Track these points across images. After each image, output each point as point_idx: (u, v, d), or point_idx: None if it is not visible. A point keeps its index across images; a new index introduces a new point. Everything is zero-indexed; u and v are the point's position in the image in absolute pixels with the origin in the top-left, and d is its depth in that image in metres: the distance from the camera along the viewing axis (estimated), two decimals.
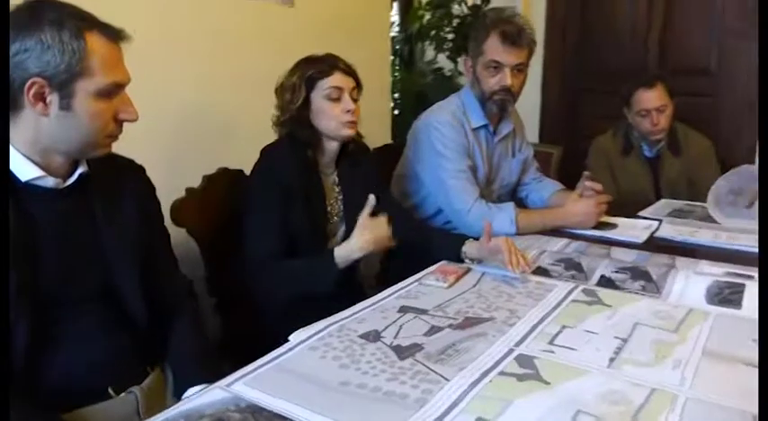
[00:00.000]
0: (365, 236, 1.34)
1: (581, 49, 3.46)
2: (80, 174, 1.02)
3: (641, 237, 1.64)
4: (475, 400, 0.83)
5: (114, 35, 0.96)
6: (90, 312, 1.03)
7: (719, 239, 1.61)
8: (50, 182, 0.99)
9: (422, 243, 1.53)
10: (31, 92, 0.91)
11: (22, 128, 0.95)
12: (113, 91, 0.97)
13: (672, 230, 1.70)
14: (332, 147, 1.49)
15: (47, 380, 0.96)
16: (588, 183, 1.74)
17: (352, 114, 1.43)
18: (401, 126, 2.96)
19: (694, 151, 2.36)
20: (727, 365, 0.94)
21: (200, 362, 1.11)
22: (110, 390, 1.02)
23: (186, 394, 1.03)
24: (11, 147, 0.95)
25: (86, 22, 0.93)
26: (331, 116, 1.42)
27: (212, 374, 1.02)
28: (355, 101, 1.46)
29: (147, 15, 1.62)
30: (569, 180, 2.09)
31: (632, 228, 1.72)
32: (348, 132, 1.45)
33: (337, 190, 1.55)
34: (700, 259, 1.43)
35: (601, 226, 1.72)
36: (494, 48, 1.71)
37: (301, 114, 1.42)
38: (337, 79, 1.42)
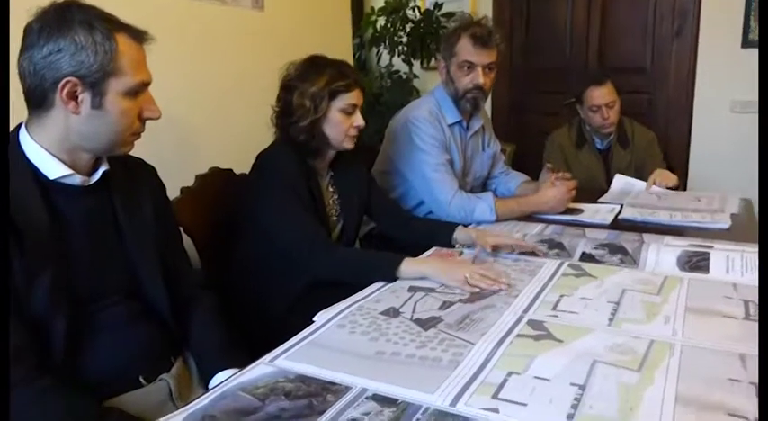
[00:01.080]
0: (445, 269, 1.29)
1: (526, 51, 3.66)
2: (103, 172, 1.05)
3: (608, 219, 1.80)
4: (502, 358, 0.93)
5: (139, 36, 1.00)
6: (118, 305, 1.06)
7: (675, 218, 1.78)
8: (77, 179, 1.01)
9: (412, 233, 1.62)
10: (65, 91, 0.93)
11: (51, 126, 0.97)
12: (140, 90, 1.01)
13: (633, 212, 1.86)
14: (331, 154, 1.55)
15: (84, 372, 0.98)
16: (560, 174, 1.89)
17: (359, 130, 1.49)
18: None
19: (640, 143, 2.56)
20: (708, 318, 1.07)
21: (223, 350, 1.15)
22: (141, 379, 1.05)
23: (215, 380, 1.08)
24: (37, 146, 0.98)
25: (114, 23, 0.97)
26: (341, 129, 1.46)
27: (235, 361, 1.08)
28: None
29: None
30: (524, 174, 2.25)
31: (598, 212, 1.87)
32: (350, 145, 1.50)
33: (332, 190, 1.60)
34: (664, 235, 1.59)
35: (569, 211, 1.87)
36: (466, 49, 1.83)
37: (315, 122, 1.44)
38: (356, 96, 1.46)
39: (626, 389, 0.83)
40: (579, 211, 1.89)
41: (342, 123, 1.46)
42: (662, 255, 1.40)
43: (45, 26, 0.93)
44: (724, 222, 1.71)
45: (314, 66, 1.47)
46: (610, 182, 2.56)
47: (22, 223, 0.91)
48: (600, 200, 2.09)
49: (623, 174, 2.56)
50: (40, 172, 0.98)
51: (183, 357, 1.17)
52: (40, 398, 0.87)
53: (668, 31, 3.20)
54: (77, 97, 0.95)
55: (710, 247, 1.44)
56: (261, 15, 2.19)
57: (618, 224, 1.77)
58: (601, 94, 2.45)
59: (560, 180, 1.87)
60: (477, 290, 1.22)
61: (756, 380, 0.84)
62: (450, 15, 3.33)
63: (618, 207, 1.93)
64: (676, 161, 3.00)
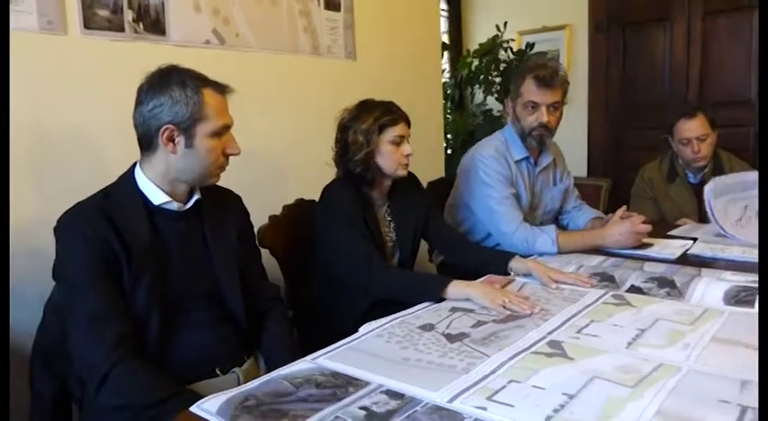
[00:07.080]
0: (488, 292, 1.41)
1: (623, 87, 3.65)
2: (196, 200, 1.31)
3: (675, 254, 1.79)
4: (510, 369, 1.03)
5: (222, 89, 1.26)
6: (202, 309, 1.30)
7: (747, 254, 1.73)
8: (175, 205, 1.27)
9: (472, 260, 1.74)
10: (164, 135, 1.20)
11: (156, 163, 1.25)
12: (222, 131, 1.26)
13: (704, 247, 1.84)
14: (387, 183, 1.73)
15: (172, 360, 1.22)
16: (628, 213, 1.92)
17: (409, 158, 1.66)
18: (453, 163, 3.21)
19: None
20: (730, 347, 1.10)
21: (290, 353, 1.34)
22: (216, 371, 1.27)
23: None
24: (146, 179, 1.25)
25: (201, 80, 1.23)
26: (393, 159, 1.64)
27: None
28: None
29: (240, 76, 1.97)
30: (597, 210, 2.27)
31: (667, 247, 1.87)
32: (403, 173, 1.68)
33: (388, 219, 1.78)
34: (726, 270, 1.57)
35: (638, 246, 1.87)
36: (530, 90, 1.95)
37: (369, 155, 1.64)
38: (402, 128, 1.65)
39: (612, 401, 0.90)
40: (648, 246, 1.90)
41: (393, 153, 1.64)
42: (710, 289, 1.40)
43: (150, 86, 1.21)
44: None
45: (364, 107, 1.67)
46: (702, 217, 2.50)
47: (130, 238, 1.18)
48: (673, 232, 2.08)
49: None
50: (148, 199, 1.25)
51: (254, 356, 1.38)
52: (134, 372, 1.11)
53: None
54: (174, 140, 1.22)
55: None
56: (353, 64, 2.45)
57: (686, 259, 1.76)
58: (690, 128, 2.43)
59: (629, 217, 1.89)
60: (510, 312, 1.32)
61: (747, 404, 0.88)
62: (542, 55, 3.43)
63: (690, 242, 1.91)
64: None
